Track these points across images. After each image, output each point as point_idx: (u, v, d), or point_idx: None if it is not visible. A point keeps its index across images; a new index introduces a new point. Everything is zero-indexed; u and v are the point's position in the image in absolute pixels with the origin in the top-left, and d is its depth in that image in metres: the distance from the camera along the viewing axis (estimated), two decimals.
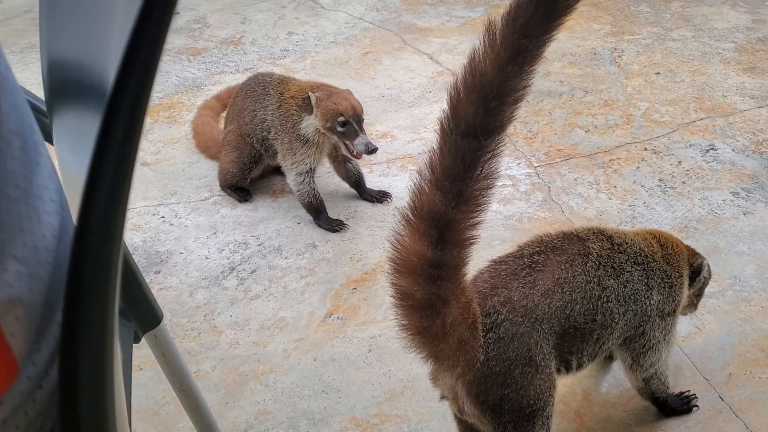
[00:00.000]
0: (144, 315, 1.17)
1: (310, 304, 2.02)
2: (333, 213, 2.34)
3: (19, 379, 0.53)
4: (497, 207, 2.33)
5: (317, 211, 2.31)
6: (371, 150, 2.15)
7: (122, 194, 0.47)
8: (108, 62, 0.71)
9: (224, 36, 3.65)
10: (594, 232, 1.48)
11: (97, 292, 0.48)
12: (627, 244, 1.48)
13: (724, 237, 2.15)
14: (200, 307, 2.04)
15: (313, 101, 2.18)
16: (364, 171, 2.46)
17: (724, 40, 3.31)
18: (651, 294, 1.47)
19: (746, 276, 2.01)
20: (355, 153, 2.19)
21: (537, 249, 1.42)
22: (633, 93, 2.93)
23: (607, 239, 1.47)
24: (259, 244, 2.26)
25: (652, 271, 1.48)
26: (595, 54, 3.25)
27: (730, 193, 2.33)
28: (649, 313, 1.48)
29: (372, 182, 2.46)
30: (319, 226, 2.30)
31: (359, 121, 2.17)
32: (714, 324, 1.87)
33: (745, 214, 2.24)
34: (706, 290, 1.81)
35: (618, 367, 1.71)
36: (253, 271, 2.15)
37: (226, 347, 1.90)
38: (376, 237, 2.25)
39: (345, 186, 2.45)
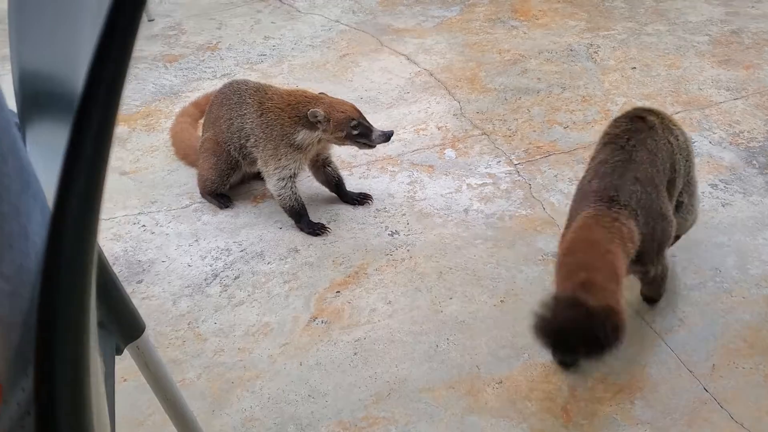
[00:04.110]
0: (125, 326, 1.16)
1: (294, 309, 2.01)
2: (314, 217, 2.33)
3: (8, 404, 0.53)
4: (478, 206, 2.34)
5: (299, 215, 2.30)
6: (390, 135, 2.24)
7: (94, 206, 0.47)
8: (79, 73, 0.70)
9: (200, 42, 3.63)
10: (642, 110, 1.85)
11: (70, 307, 0.47)
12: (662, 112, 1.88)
13: (703, 229, 2.17)
14: (184, 315, 2.03)
15: (320, 117, 2.18)
16: (344, 173, 2.46)
17: (698, 34, 3.34)
18: (687, 143, 1.88)
19: (727, 267, 2.03)
20: (374, 146, 2.27)
21: (625, 138, 1.75)
22: (610, 88, 2.95)
23: (648, 111, 1.84)
24: (242, 250, 2.25)
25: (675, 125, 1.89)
26: (571, 50, 3.27)
27: (709, 185, 2.35)
28: (692, 160, 1.90)
29: (352, 185, 2.45)
30: (301, 230, 2.30)
31: (363, 116, 2.23)
32: (696, 316, 1.88)
33: (723, 206, 2.26)
34: (688, 282, 1.93)
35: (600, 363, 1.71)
36: (236, 278, 2.14)
37: (211, 355, 1.89)
38: (358, 239, 2.25)
39: (325, 190, 2.44)
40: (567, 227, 1.72)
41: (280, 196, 2.29)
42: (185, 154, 2.66)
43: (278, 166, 2.26)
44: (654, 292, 1.89)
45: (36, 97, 0.88)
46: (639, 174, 1.68)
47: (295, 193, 2.29)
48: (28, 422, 0.54)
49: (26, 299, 0.53)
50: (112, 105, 0.45)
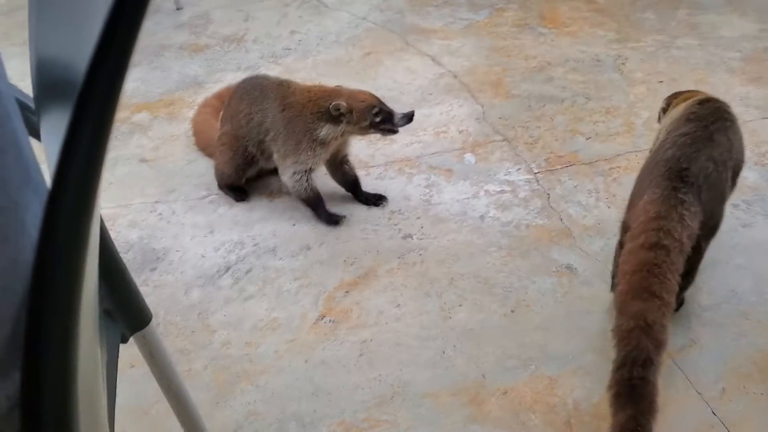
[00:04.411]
0: (132, 316, 1.16)
1: (303, 306, 2.01)
2: None
3: None
4: (495, 213, 2.32)
5: (315, 204, 2.31)
6: (411, 116, 2.23)
7: (90, 198, 0.46)
8: None
9: (227, 33, 3.64)
10: (718, 101, 1.92)
11: (60, 297, 0.47)
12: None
13: (722, 249, 2.13)
14: (194, 305, 2.03)
15: (343, 109, 2.19)
16: (361, 173, 2.45)
17: (730, 49, 3.29)
18: None
19: (743, 290, 2.00)
20: (397, 130, 2.27)
21: (711, 119, 1.82)
22: (635, 101, 2.92)
23: (724, 102, 1.92)
24: (255, 245, 2.25)
25: None
26: (598, 61, 3.23)
27: (730, 204, 2.30)
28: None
29: (368, 185, 2.45)
30: (318, 218, 2.30)
31: (382, 102, 2.24)
32: (709, 337, 1.85)
33: (744, 227, 2.23)
34: (703, 302, 1.92)
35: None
36: (247, 271, 2.14)
37: (219, 347, 1.90)
38: (370, 240, 2.24)
39: (340, 189, 2.44)
40: (635, 194, 1.79)
41: (294, 188, 2.30)
42: (205, 145, 2.67)
43: (297, 160, 2.27)
44: (686, 284, 1.83)
45: (52, 85, 0.88)
46: (715, 153, 1.73)
47: (311, 184, 2.30)
48: (17, 415, 0.54)
49: (19, 293, 0.53)
50: (113, 93, 0.45)
